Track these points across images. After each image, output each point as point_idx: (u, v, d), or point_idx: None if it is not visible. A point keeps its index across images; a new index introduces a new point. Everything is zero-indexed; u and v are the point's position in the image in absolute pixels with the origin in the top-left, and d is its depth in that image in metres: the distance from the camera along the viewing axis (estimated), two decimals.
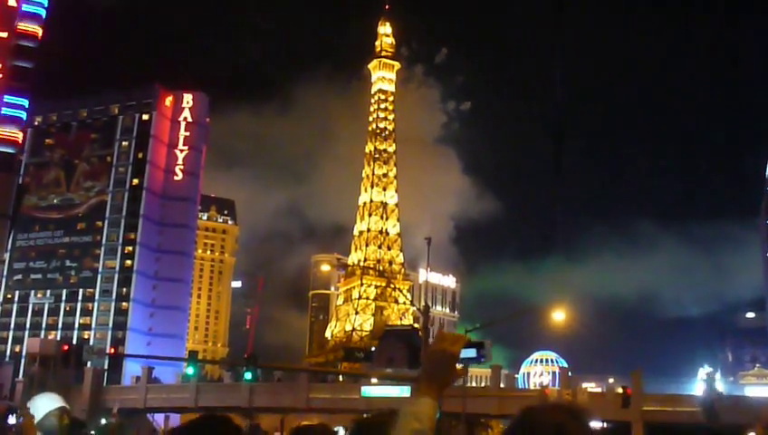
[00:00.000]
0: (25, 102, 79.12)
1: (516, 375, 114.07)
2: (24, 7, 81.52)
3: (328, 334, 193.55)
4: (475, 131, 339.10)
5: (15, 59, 78.74)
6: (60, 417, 6.35)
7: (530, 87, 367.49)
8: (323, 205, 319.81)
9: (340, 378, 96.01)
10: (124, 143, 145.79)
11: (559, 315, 44.74)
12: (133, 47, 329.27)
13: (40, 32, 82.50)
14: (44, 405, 6.08)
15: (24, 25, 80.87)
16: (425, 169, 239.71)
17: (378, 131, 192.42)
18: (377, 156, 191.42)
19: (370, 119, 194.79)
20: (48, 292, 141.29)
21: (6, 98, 74.99)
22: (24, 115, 79.37)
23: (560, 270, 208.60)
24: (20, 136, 77.82)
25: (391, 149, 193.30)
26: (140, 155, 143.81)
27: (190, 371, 49.65)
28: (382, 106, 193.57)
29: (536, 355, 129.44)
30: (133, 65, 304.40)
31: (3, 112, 75.10)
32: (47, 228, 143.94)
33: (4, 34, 79.17)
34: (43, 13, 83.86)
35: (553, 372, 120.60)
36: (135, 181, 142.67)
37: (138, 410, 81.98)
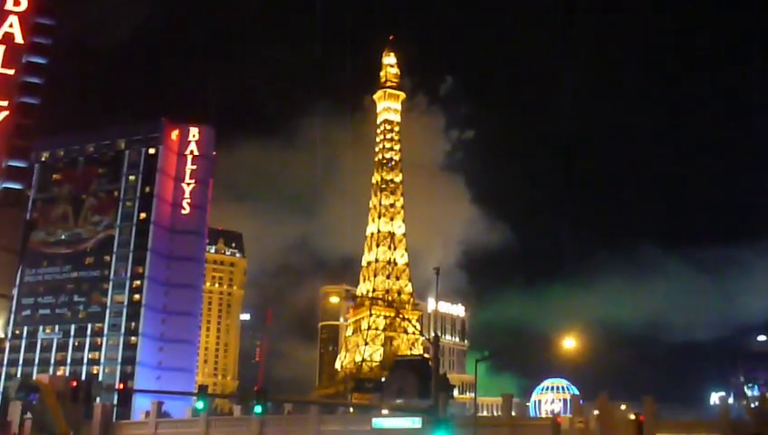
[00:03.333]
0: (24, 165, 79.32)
1: (527, 404, 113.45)
2: (31, 42, 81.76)
3: (338, 366, 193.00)
4: (481, 159, 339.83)
5: (22, 95, 78.98)
6: None
7: (535, 112, 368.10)
8: (331, 236, 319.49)
9: (351, 410, 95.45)
10: (131, 177, 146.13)
11: (569, 343, 44.44)
12: (138, 82, 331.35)
13: (46, 67, 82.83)
14: None
15: (30, 61, 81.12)
16: (432, 198, 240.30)
17: (384, 161, 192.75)
18: (383, 186, 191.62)
19: (376, 149, 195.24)
20: (57, 327, 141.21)
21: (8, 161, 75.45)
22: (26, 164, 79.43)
23: (568, 297, 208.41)
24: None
25: (398, 178, 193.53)
26: (147, 189, 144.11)
27: (200, 405, 49.32)
28: (388, 136, 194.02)
29: (547, 383, 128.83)
30: (139, 100, 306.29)
31: (8, 164, 75.30)
32: (55, 263, 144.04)
33: (11, 71, 79.43)
34: (49, 49, 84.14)
35: (564, 400, 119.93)
36: (142, 215, 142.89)
37: None
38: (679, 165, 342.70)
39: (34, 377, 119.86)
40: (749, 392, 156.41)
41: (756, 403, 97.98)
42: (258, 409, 41.43)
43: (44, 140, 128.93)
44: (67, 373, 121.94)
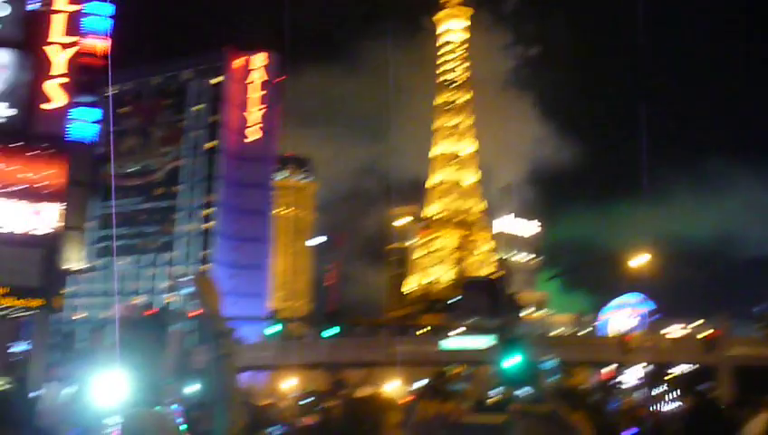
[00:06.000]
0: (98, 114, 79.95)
1: (599, 321, 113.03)
2: None
3: (408, 288, 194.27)
4: (549, 75, 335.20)
5: (87, 32, 79.35)
6: None
7: (604, 26, 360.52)
8: (400, 159, 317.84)
9: (422, 331, 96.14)
10: (197, 107, 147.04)
11: (641, 259, 44.15)
12: (200, 11, 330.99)
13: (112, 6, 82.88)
14: None
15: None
16: (499, 116, 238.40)
17: (448, 82, 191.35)
18: (448, 106, 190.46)
19: (440, 69, 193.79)
20: (131, 257, 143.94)
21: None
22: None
23: (640, 213, 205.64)
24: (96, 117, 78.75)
25: (463, 98, 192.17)
26: (214, 118, 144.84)
27: (273, 330, 50.04)
28: (451, 56, 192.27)
29: (618, 300, 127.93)
30: (201, 29, 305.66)
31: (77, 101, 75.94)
32: (127, 195, 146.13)
33: (77, 6, 79.77)
34: None
35: (636, 317, 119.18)
36: (210, 144, 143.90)
37: None
38: (749, 80, 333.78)
39: (112, 307, 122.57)
40: None
41: None
42: (330, 332, 41.97)
43: (112, 75, 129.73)
44: (142, 302, 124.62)
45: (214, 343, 3.94)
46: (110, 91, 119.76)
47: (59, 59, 75.44)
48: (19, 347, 77.77)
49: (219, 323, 3.93)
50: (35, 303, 69.28)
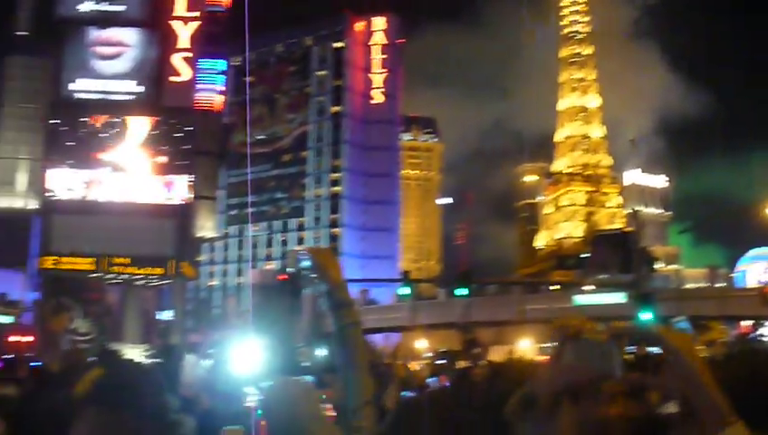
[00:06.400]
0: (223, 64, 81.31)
1: (734, 274, 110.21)
2: None
3: (538, 244, 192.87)
4: (672, 24, 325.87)
5: (210, 5, 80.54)
6: None
7: None
8: (525, 115, 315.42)
9: (554, 288, 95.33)
10: (320, 73, 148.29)
11: None
12: None
13: None
14: None
15: None
16: (625, 68, 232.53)
17: (571, 34, 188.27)
18: (573, 60, 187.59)
19: (563, 23, 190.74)
20: (262, 224, 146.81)
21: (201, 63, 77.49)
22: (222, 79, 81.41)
23: None
24: (219, 100, 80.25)
25: (587, 51, 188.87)
26: (338, 83, 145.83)
27: (405, 291, 50.24)
28: (574, 8, 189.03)
29: (755, 251, 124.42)
30: None
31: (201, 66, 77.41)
32: (255, 163, 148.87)
33: None
34: None
35: None
36: (335, 109, 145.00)
37: None
38: None
39: (244, 273, 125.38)
40: None
41: None
42: (462, 291, 41.80)
43: (235, 46, 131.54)
44: (276, 268, 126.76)
45: (337, 313, 3.89)
46: (247, 55, 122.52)
47: (183, 33, 77.15)
48: (164, 315, 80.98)
49: (342, 294, 3.86)
50: (171, 271, 71.50)
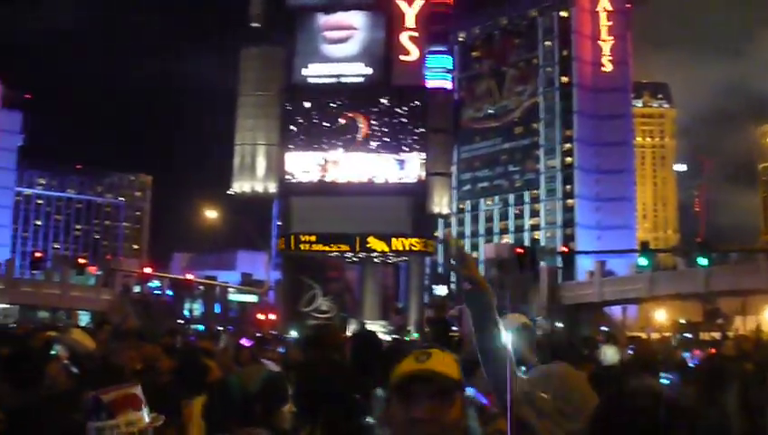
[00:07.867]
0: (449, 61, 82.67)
1: None
2: None
3: None
4: None
5: None
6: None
7: None
8: (764, 75, 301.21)
9: None
10: (547, 43, 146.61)
11: None
12: None
13: None
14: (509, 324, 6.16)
15: None
16: None
17: None
18: None
19: None
20: (496, 198, 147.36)
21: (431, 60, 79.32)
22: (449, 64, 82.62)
23: None
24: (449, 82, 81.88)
25: None
26: (565, 52, 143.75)
27: (644, 261, 49.42)
28: None
29: None
30: None
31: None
32: (487, 138, 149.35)
33: None
34: None
35: None
36: (564, 79, 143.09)
37: (594, 305, 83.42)
38: None
39: (481, 247, 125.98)
40: None
41: None
42: (703, 260, 40.81)
43: (460, 22, 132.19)
44: (511, 241, 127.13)
45: (486, 314, 3.96)
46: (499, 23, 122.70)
47: (409, 13, 78.46)
48: (438, 290, 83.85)
49: (488, 294, 3.93)
50: (408, 247, 73.10)
